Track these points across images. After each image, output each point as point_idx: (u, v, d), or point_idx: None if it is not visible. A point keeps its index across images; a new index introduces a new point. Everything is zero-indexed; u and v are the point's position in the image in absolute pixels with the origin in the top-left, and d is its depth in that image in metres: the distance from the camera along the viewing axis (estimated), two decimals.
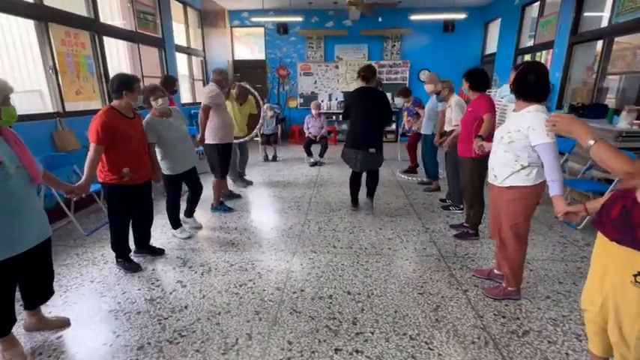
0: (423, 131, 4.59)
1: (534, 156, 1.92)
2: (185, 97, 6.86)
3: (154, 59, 5.77)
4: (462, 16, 7.55)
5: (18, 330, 1.89)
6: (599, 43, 4.97)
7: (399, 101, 5.42)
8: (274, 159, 6.70)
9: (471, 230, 3.16)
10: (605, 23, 4.83)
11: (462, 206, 3.74)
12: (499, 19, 7.81)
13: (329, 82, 8.98)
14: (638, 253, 1.19)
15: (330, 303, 2.25)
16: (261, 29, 8.90)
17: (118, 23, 4.98)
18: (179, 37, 6.46)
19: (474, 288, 2.41)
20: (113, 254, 2.72)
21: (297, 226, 3.51)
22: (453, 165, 3.68)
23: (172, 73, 6.03)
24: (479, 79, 3.00)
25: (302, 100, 9.12)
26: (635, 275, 1.21)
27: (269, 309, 2.19)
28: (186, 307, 2.22)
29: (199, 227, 3.48)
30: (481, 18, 8.42)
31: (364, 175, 3.80)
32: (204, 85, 7.56)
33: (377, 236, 3.25)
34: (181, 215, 3.38)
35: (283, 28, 8.73)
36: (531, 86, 1.91)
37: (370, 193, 3.86)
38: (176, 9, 6.37)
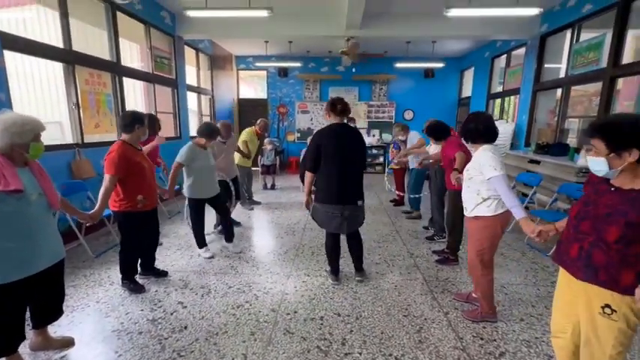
0: (411, 166, 4.72)
1: (492, 189, 2.02)
2: (193, 131, 7.00)
3: (167, 97, 5.94)
4: (440, 65, 7.96)
5: (23, 349, 1.83)
6: (559, 91, 5.26)
7: (386, 136, 5.61)
8: (273, 187, 6.75)
9: (452, 256, 3.19)
10: (562, 74, 5.14)
11: (444, 235, 3.77)
12: (472, 68, 8.24)
13: (322, 119, 9.24)
14: (606, 292, 1.21)
15: (321, 324, 2.23)
16: (264, 72, 9.26)
17: (136, 66, 5.17)
18: (190, 78, 6.69)
19: (454, 310, 2.41)
20: (119, 276, 2.68)
21: (292, 251, 3.50)
22: (437, 196, 3.76)
23: (183, 110, 6.20)
24: (435, 132, 3.38)
25: (299, 135, 9.33)
26: (602, 307, 1.23)
27: (264, 329, 2.16)
28: (185, 328, 2.17)
29: (212, 257, 3.35)
30: (457, 66, 8.88)
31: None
32: (211, 119, 7.75)
33: (365, 261, 3.23)
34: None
35: (284, 72, 9.07)
36: (474, 132, 2.11)
37: (360, 264, 2.84)
38: (189, 53, 6.64)
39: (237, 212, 4.61)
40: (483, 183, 2.04)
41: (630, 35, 4.08)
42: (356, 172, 2.60)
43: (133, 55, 5.26)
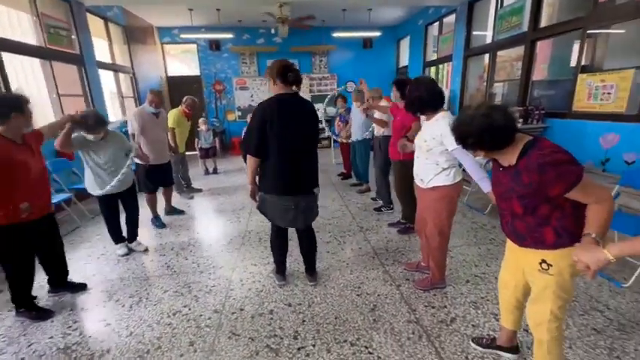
0: (352, 138, 4.55)
1: (451, 158, 1.92)
2: (116, 114, 6.03)
3: (73, 77, 4.94)
4: (376, 34, 7.80)
5: None
6: (487, 57, 5.43)
7: (331, 110, 5.35)
8: (215, 171, 6.22)
9: (411, 225, 3.12)
10: (489, 40, 5.29)
11: (392, 206, 3.74)
12: (408, 37, 8.23)
13: (264, 94, 8.64)
14: (536, 250, 1.26)
15: (271, 319, 2.01)
16: (194, 46, 8.28)
17: (29, 40, 4.13)
18: (102, 54, 5.65)
19: (406, 282, 2.36)
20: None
21: (237, 239, 3.19)
22: (380, 169, 3.67)
23: (97, 91, 5.24)
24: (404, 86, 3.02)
25: (240, 113, 8.67)
26: (540, 263, 1.25)
27: (205, 337, 1.88)
28: (108, 351, 1.80)
29: (146, 250, 3.01)
30: (393, 36, 8.81)
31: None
32: (135, 102, 6.77)
33: (318, 239, 3.07)
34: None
35: (215, 45, 8.21)
36: (418, 102, 1.96)
37: (312, 264, 2.40)
38: (96, 23, 5.55)
39: (176, 202, 4.11)
40: (443, 154, 1.92)
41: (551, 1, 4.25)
42: (311, 155, 2.12)
43: (14, 24, 4.18)
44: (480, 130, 1.15)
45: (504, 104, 1.36)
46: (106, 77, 5.68)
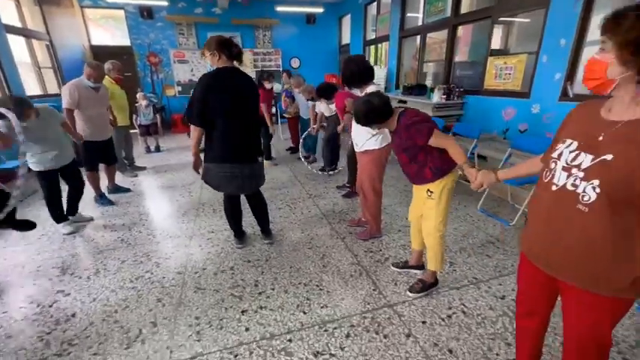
0: (301, 114, 4.76)
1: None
2: (32, 89, 5.34)
3: None
4: (319, 10, 7.89)
5: None
6: (419, 38, 5.94)
7: (277, 86, 5.43)
8: (157, 149, 5.96)
9: (354, 188, 3.51)
10: (420, 22, 5.78)
11: (335, 167, 4.15)
12: (350, 15, 8.47)
13: (205, 69, 8.28)
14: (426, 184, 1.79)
15: (232, 274, 2.24)
16: (120, 12, 7.48)
17: None
18: (8, 15, 4.89)
19: (349, 235, 2.74)
20: None
21: (192, 212, 3.28)
22: (326, 139, 3.99)
23: (5, 59, 4.59)
24: (325, 92, 3.71)
25: (180, 88, 8.21)
26: (427, 191, 1.79)
27: (172, 293, 2.04)
28: (73, 316, 1.87)
29: (90, 219, 3.03)
30: (335, 12, 8.96)
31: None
32: (55, 74, 6.03)
33: (269, 207, 3.31)
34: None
35: (147, 12, 7.53)
36: (351, 76, 2.32)
37: (266, 224, 2.61)
38: None
39: (119, 181, 3.95)
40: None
41: None
42: (254, 125, 2.26)
43: None
44: (365, 113, 1.78)
45: (374, 94, 1.85)
46: (16, 45, 4.96)
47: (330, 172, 4.18)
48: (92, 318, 1.85)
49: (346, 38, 8.91)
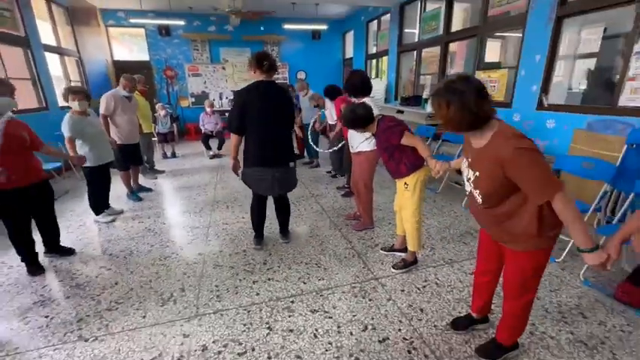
0: (304, 121, 5.22)
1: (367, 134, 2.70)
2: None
3: (18, 60, 4.84)
4: (323, 27, 8.46)
5: None
6: (415, 53, 6.41)
7: None
8: (173, 155, 6.47)
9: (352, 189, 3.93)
10: (416, 39, 6.26)
11: (342, 173, 4.58)
12: (352, 31, 9.03)
13: (218, 82, 8.89)
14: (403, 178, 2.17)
15: (245, 255, 2.65)
16: (141, 30, 8.16)
17: None
18: (46, 36, 5.51)
19: (346, 227, 3.14)
20: (18, 258, 2.47)
21: (208, 207, 3.72)
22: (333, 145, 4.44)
23: (43, 74, 5.18)
24: (330, 93, 4.23)
25: (194, 100, 8.81)
26: (404, 184, 2.19)
27: (195, 268, 2.46)
28: (116, 284, 2.30)
29: (121, 212, 3.54)
30: (339, 29, 9.55)
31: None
32: (83, 85, 6.63)
33: None
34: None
35: (165, 30, 8.20)
36: (353, 87, 2.74)
37: (286, 227, 2.85)
38: (38, 4, 5.39)
39: (142, 182, 4.42)
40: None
41: (461, 8, 5.26)
42: (285, 133, 2.46)
43: None
44: (351, 119, 2.22)
45: (358, 105, 2.28)
46: (51, 61, 5.57)
47: (338, 176, 4.59)
48: (132, 285, 2.27)
49: (349, 52, 9.46)
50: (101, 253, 2.74)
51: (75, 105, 2.86)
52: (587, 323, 1.82)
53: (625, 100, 2.96)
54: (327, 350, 1.68)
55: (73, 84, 6.30)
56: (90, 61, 6.95)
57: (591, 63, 3.85)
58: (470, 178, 1.36)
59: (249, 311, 1.98)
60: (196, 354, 1.67)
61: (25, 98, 4.79)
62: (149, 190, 4.33)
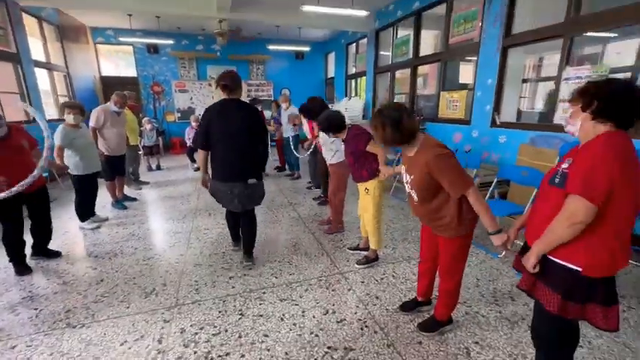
0: (284, 135, 5.56)
1: (335, 147, 3.05)
2: (50, 112, 6.08)
3: (7, 75, 5.03)
4: (306, 48, 8.99)
5: None
6: (390, 74, 6.94)
7: (267, 113, 6.26)
8: (158, 168, 6.65)
9: (327, 198, 4.22)
10: (390, 61, 6.80)
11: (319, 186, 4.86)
12: (334, 52, 9.61)
13: (204, 98, 9.21)
14: (364, 183, 2.45)
15: (223, 255, 2.89)
16: (130, 47, 8.46)
17: None
18: (37, 52, 5.73)
19: (319, 231, 3.42)
20: (3, 260, 2.62)
21: (190, 215, 3.94)
22: (311, 159, 4.76)
23: (33, 89, 5.36)
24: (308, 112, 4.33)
25: (180, 115, 9.07)
26: (365, 189, 2.49)
27: (176, 267, 2.68)
28: (102, 281, 2.49)
29: (106, 219, 3.71)
30: (321, 50, 10.13)
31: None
32: (70, 99, 6.81)
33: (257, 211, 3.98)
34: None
35: (154, 48, 8.52)
36: (309, 114, 3.17)
37: (248, 248, 2.71)
38: (30, 23, 5.64)
39: (126, 192, 4.60)
40: (332, 144, 3.05)
41: (430, 34, 5.82)
42: (244, 149, 2.41)
43: None
44: (326, 125, 2.63)
45: (334, 111, 2.66)
46: (40, 76, 5.77)
47: (312, 188, 4.88)
48: (117, 282, 2.47)
49: (331, 72, 10.01)
50: (87, 255, 2.92)
51: (70, 118, 3.10)
52: (514, 304, 2.14)
53: (558, 118, 3.44)
54: (290, 330, 1.93)
55: (60, 98, 6.49)
56: (78, 77, 7.16)
57: (537, 86, 4.39)
58: (407, 181, 1.69)
59: (224, 301, 2.21)
60: (175, 335, 1.89)
61: (15, 112, 4.97)
62: (134, 199, 4.51)
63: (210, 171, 2.53)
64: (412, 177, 1.64)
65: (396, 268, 2.64)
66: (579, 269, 1.14)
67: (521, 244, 1.39)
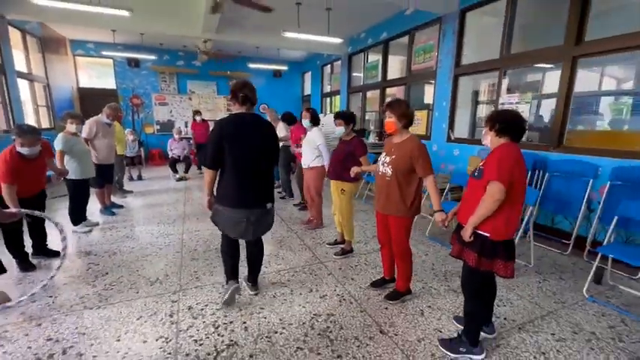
0: None
1: (318, 151, 3.56)
2: (29, 121, 6.10)
3: None
4: (284, 67, 9.59)
5: None
6: (361, 94, 7.66)
7: None
8: (139, 178, 6.80)
9: (306, 203, 4.67)
10: (362, 82, 7.54)
11: (292, 195, 5.29)
12: (310, 72, 10.29)
13: (184, 111, 9.45)
14: (340, 182, 2.90)
15: (217, 252, 3.22)
16: (109, 60, 8.61)
17: None
18: (19, 63, 5.83)
19: (300, 230, 3.87)
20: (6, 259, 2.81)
21: (179, 219, 4.23)
22: (283, 166, 5.20)
23: (15, 100, 5.45)
24: (289, 119, 4.87)
25: (159, 127, 9.22)
26: (340, 190, 2.95)
27: (175, 261, 3.00)
28: (107, 273, 2.76)
29: (97, 224, 3.91)
30: (298, 70, 10.79)
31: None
32: (48, 111, 6.87)
33: None
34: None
35: (135, 62, 8.73)
36: (311, 119, 3.60)
37: (256, 275, 2.54)
38: (14, 35, 5.75)
39: (113, 200, 4.79)
40: (315, 148, 3.55)
41: (397, 60, 6.59)
42: (265, 171, 2.21)
43: None
44: (345, 115, 3.05)
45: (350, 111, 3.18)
46: (21, 86, 5.84)
47: (287, 197, 5.30)
48: (121, 274, 2.75)
49: (307, 90, 10.66)
50: (86, 254, 3.15)
51: (72, 127, 3.39)
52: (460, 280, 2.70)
53: None
54: (282, 303, 2.35)
55: (40, 108, 6.53)
56: (56, 87, 7.22)
57: (491, 107, 5.19)
58: (386, 161, 2.19)
59: (223, 285, 2.58)
60: (183, 311, 2.24)
61: None
62: (120, 206, 4.71)
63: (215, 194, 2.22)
64: (394, 157, 2.16)
65: (368, 257, 3.14)
66: (488, 235, 1.70)
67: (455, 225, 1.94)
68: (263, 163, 2.18)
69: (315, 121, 4.54)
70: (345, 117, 3.08)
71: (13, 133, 2.59)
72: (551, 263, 3.08)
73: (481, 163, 1.78)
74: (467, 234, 1.75)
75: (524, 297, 2.48)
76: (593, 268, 2.55)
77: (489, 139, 1.78)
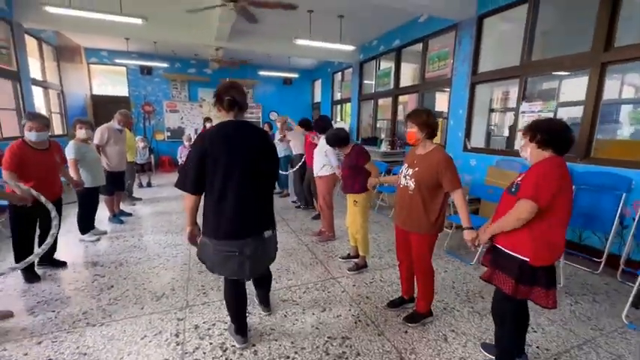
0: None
1: (327, 161, 3.44)
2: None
3: (5, 92, 5.17)
4: (295, 75, 9.57)
5: None
6: (373, 101, 7.55)
7: None
8: (149, 185, 6.78)
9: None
10: (373, 90, 7.43)
11: (304, 204, 5.16)
12: (320, 80, 10.25)
13: (194, 118, 9.49)
14: (352, 195, 2.79)
15: None
16: (123, 68, 8.72)
17: None
18: (34, 71, 5.90)
19: (311, 242, 3.72)
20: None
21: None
22: (299, 174, 5.09)
23: (29, 106, 5.50)
24: (306, 124, 4.67)
25: (169, 134, 9.27)
26: (354, 201, 2.83)
27: (182, 274, 2.89)
28: (112, 286, 2.66)
29: (105, 232, 3.86)
30: (309, 77, 10.77)
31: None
32: (62, 118, 6.95)
33: None
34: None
35: (147, 70, 8.82)
36: (319, 128, 3.51)
37: (267, 298, 2.30)
38: (30, 43, 5.85)
39: (121, 207, 4.74)
40: (326, 157, 3.45)
41: (409, 67, 6.48)
42: (261, 191, 1.79)
43: None
44: (335, 139, 2.95)
45: (341, 128, 3.04)
46: (36, 93, 5.91)
47: (302, 207, 5.17)
48: (127, 287, 2.65)
49: (318, 97, 10.61)
50: (92, 265, 3.07)
51: (82, 133, 3.34)
52: (483, 301, 2.52)
53: (517, 145, 4.00)
54: (293, 324, 2.20)
55: (53, 115, 6.60)
56: (70, 94, 7.32)
57: (505, 115, 5.02)
58: (409, 174, 2.04)
59: (226, 323, 2.44)
60: (190, 330, 2.12)
61: (11, 127, 5.08)
62: (129, 214, 4.65)
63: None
64: (417, 169, 2.00)
65: (383, 273, 2.98)
66: (527, 259, 1.53)
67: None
68: (261, 184, 1.76)
69: (323, 130, 4.45)
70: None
71: (24, 118, 2.63)
72: (582, 283, 2.86)
73: (519, 178, 1.62)
74: (484, 237, 1.67)
75: (557, 322, 2.28)
76: (634, 291, 2.34)
77: (529, 152, 1.62)
